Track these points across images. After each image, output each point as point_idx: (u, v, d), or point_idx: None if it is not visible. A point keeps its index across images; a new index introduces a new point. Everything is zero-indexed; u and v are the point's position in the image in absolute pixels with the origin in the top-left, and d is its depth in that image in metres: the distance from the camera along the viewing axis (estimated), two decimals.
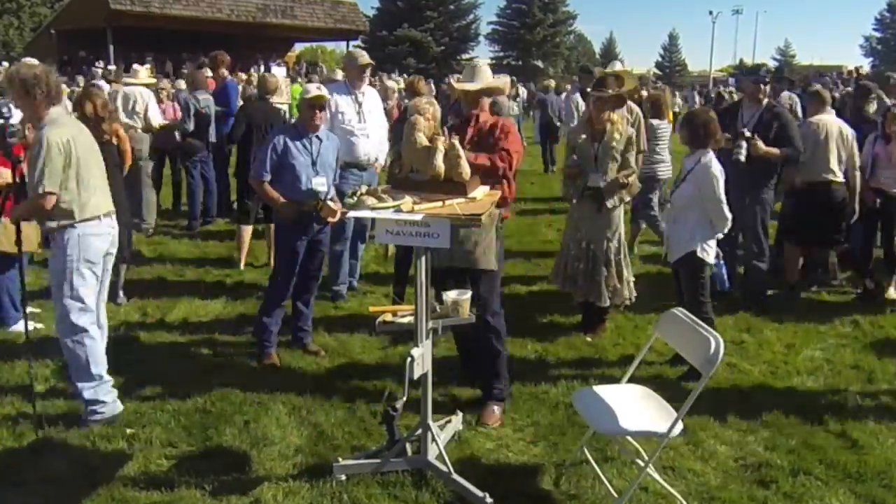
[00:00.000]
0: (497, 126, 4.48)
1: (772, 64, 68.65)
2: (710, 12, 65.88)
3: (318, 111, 5.04)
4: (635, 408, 3.56)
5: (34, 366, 4.56)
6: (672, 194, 5.09)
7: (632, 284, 5.76)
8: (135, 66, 10.03)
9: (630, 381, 3.87)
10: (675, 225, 5.03)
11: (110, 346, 4.56)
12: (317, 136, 5.10)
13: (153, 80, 9.70)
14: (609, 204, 5.50)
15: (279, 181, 5.02)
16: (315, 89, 5.09)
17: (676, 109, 13.36)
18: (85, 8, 27.42)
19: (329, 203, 5.04)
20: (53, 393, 4.70)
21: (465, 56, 48.16)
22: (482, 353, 4.51)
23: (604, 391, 3.72)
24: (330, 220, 5.10)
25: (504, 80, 4.88)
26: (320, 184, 5.07)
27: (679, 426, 3.38)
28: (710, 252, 4.98)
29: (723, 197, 4.87)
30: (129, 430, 4.21)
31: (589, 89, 5.89)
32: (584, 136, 5.61)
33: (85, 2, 27.50)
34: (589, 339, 5.76)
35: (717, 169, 4.89)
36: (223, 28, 29.53)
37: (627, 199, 5.72)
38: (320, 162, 5.09)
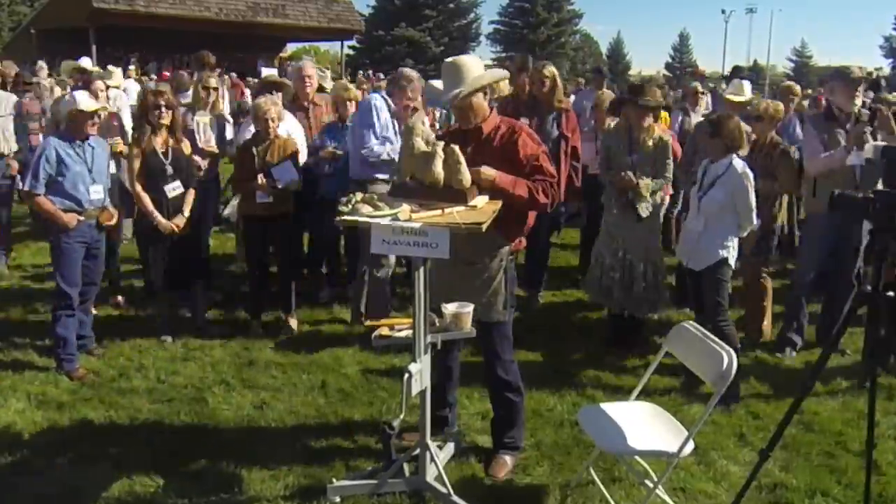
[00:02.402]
0: (519, 139, 3.89)
1: (788, 66, 68.81)
2: (723, 11, 66.02)
3: (90, 122, 5.19)
4: (644, 426, 3.57)
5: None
6: (700, 201, 5.10)
7: (667, 296, 5.77)
8: (110, 66, 9.91)
9: (639, 397, 3.88)
10: (706, 232, 5.03)
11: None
12: (89, 144, 5.25)
13: (119, 82, 9.56)
14: (642, 212, 5.56)
15: (55, 192, 5.12)
16: (87, 100, 5.25)
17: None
18: (66, 6, 27.46)
19: (108, 209, 5.36)
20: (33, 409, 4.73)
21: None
22: (493, 402, 4.26)
23: (611, 408, 3.74)
24: (108, 223, 5.39)
25: (496, 74, 4.08)
26: (97, 192, 5.25)
27: (690, 445, 3.39)
28: (734, 254, 5.07)
29: (754, 200, 4.97)
30: (112, 450, 4.22)
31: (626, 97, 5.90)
32: (620, 145, 5.67)
33: (67, 0, 27.59)
34: (629, 354, 5.76)
35: (750, 173, 4.98)
36: (211, 27, 29.53)
37: (662, 209, 5.75)
38: (96, 170, 5.26)
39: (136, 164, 5.64)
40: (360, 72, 21.47)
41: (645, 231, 5.64)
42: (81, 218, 5.18)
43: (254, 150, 5.96)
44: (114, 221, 5.45)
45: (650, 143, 5.59)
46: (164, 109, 5.65)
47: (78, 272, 5.25)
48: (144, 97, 5.89)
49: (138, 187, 5.65)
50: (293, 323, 6.21)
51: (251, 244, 6.32)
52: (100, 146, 5.38)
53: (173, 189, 5.67)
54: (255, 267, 6.30)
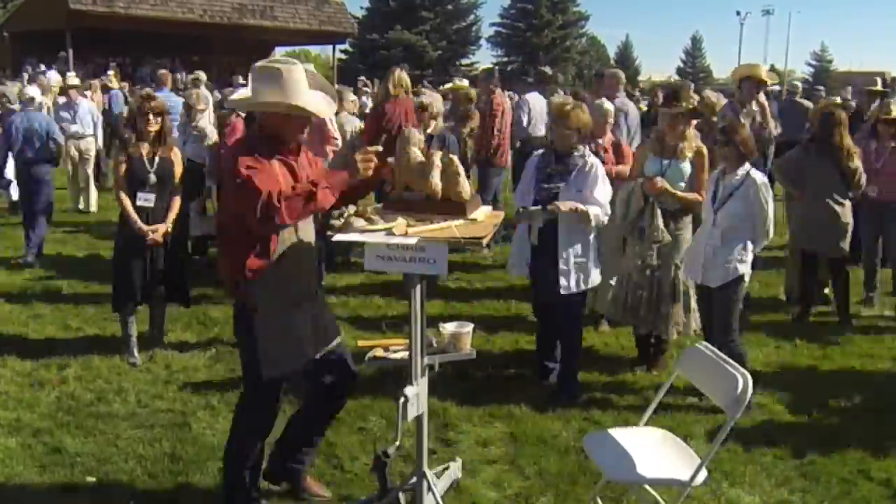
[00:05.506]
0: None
1: (806, 70, 69.02)
2: (738, 13, 66.07)
3: None
4: (654, 453, 3.58)
5: None
6: (716, 213, 5.12)
7: (698, 315, 5.74)
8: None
9: (648, 422, 3.90)
10: (722, 247, 5.06)
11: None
12: None
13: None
14: (678, 227, 5.57)
15: None
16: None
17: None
18: (41, 8, 27.53)
19: None
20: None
21: (464, 61, 48.44)
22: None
23: (619, 434, 3.75)
24: None
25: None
26: None
27: (703, 474, 3.40)
28: (749, 270, 5.12)
29: (773, 213, 5.03)
30: (90, 479, 4.23)
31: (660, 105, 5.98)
32: (653, 155, 5.70)
33: (42, 1, 27.69)
34: (654, 373, 5.78)
35: (766, 181, 5.07)
36: (196, 30, 29.68)
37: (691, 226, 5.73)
38: None
39: (122, 169, 5.75)
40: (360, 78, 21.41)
41: (674, 246, 5.60)
42: None
43: None
44: None
45: (688, 153, 5.60)
46: (152, 116, 5.71)
47: None
48: (135, 102, 5.98)
49: (121, 193, 5.75)
50: None
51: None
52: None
53: (144, 199, 5.74)
54: None
